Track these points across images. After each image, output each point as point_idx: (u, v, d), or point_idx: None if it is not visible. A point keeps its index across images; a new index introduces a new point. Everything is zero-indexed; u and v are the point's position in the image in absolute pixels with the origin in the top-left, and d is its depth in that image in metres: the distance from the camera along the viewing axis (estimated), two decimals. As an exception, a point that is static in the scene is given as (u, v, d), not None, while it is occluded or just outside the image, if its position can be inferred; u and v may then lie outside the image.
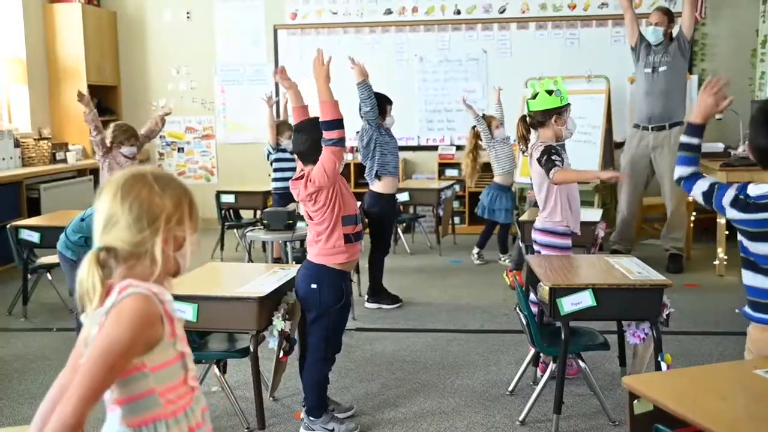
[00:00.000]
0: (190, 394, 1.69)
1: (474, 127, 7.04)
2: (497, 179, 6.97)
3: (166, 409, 1.63)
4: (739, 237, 2.51)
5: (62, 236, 4.41)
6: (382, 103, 5.41)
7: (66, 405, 1.48)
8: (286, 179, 6.33)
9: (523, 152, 4.19)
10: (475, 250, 7.02)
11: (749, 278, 2.48)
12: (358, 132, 5.51)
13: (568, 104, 4.05)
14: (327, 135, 3.20)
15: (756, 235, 2.45)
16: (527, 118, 4.17)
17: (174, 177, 1.72)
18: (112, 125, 5.54)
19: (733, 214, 2.47)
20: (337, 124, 3.24)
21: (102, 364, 1.51)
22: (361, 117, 5.33)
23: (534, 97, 4.03)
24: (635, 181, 6.74)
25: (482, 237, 7.05)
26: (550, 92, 3.99)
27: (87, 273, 1.61)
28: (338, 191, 3.28)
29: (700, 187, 2.62)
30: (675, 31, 6.66)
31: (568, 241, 4.03)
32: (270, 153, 6.56)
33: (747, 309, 2.51)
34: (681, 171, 2.71)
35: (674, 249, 6.61)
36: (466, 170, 7.14)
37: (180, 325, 1.65)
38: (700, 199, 2.62)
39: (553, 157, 3.85)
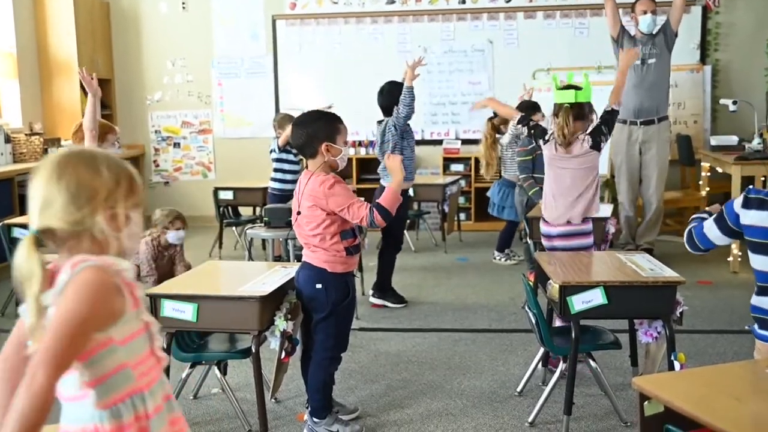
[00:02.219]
0: (159, 366, 1.70)
1: (491, 119, 6.97)
2: (507, 176, 6.94)
3: (140, 381, 1.64)
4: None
5: None
6: (400, 93, 5.40)
7: (34, 380, 1.46)
8: (285, 181, 6.43)
9: (556, 144, 4.08)
10: (497, 254, 7.00)
11: (755, 299, 2.57)
12: (379, 122, 5.44)
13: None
14: (376, 217, 3.29)
15: (757, 246, 2.50)
16: (572, 108, 4.08)
17: (112, 155, 1.71)
18: (156, 211, 5.02)
19: (748, 216, 2.52)
20: (387, 215, 3.32)
21: (64, 335, 1.50)
22: (391, 115, 5.34)
23: (578, 88, 4.08)
24: (632, 178, 6.74)
25: (505, 237, 7.00)
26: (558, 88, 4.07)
27: (25, 257, 1.58)
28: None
29: (708, 222, 2.68)
30: (660, 22, 6.61)
31: (591, 239, 4.13)
32: (273, 151, 6.59)
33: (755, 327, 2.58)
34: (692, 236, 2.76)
35: (646, 244, 6.64)
36: (487, 161, 6.96)
37: (140, 293, 1.65)
38: (717, 234, 2.68)
39: (604, 128, 4.03)
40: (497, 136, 6.90)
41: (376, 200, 3.34)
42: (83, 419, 1.61)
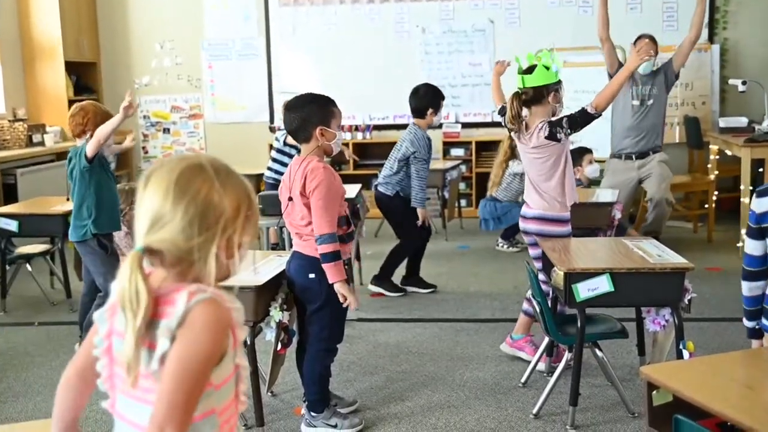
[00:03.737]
0: (237, 412, 1.58)
1: (509, 137, 6.89)
2: (497, 195, 6.93)
3: (223, 430, 1.52)
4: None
5: (71, 226, 4.39)
6: (436, 97, 5.53)
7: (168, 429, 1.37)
8: (281, 173, 6.44)
9: (514, 132, 4.04)
10: (501, 241, 7.02)
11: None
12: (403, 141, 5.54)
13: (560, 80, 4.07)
14: (321, 247, 3.27)
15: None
16: (522, 95, 4.02)
17: (233, 170, 1.58)
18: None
19: (763, 204, 2.53)
20: (327, 257, 3.29)
21: (189, 381, 1.40)
22: (422, 118, 5.50)
23: (529, 71, 4.01)
24: (626, 199, 6.67)
25: (513, 227, 7.00)
26: (547, 67, 4.00)
27: (129, 278, 1.45)
28: None
29: (746, 244, 2.68)
30: (660, 61, 6.57)
31: (569, 228, 4.04)
32: (277, 140, 6.60)
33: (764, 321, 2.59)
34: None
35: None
36: (494, 180, 6.98)
37: (242, 335, 1.53)
38: (752, 245, 2.66)
39: (565, 122, 3.90)
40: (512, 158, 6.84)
41: (334, 278, 3.28)
42: None
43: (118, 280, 1.48)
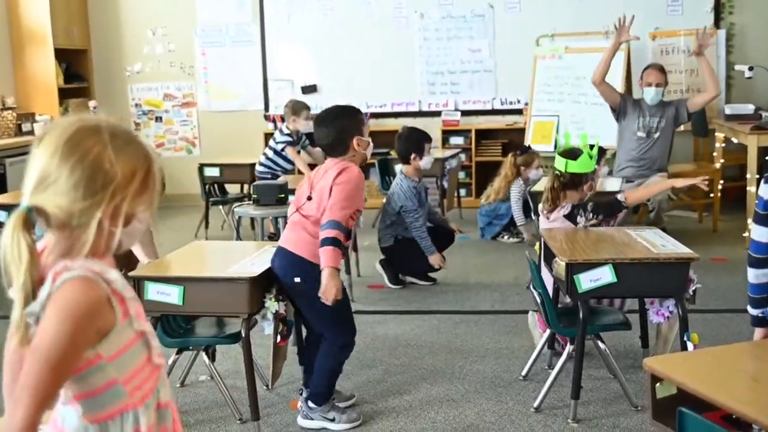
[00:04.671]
0: (156, 374, 1.61)
1: (514, 154, 6.89)
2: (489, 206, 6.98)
3: (133, 397, 1.55)
4: None
5: None
6: (420, 141, 5.50)
7: (16, 412, 1.40)
8: (275, 170, 6.50)
9: (545, 213, 4.07)
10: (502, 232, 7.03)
11: None
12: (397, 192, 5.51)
13: None
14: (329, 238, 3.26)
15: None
16: (560, 177, 4.03)
17: (134, 136, 1.55)
18: None
19: None
20: (333, 242, 3.28)
21: (47, 365, 1.41)
22: (408, 164, 5.53)
23: (573, 155, 4.02)
24: None
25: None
26: (591, 156, 4.00)
27: (11, 239, 1.44)
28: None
29: (753, 230, 2.67)
30: (671, 97, 6.54)
31: None
32: (275, 138, 6.66)
33: None
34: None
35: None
36: (493, 195, 6.93)
37: (134, 303, 1.54)
38: (761, 231, 2.65)
39: (590, 206, 3.96)
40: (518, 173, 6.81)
41: (327, 263, 3.24)
42: (71, 427, 1.55)
43: (2, 240, 1.46)
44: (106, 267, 1.50)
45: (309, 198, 3.38)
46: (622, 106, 6.59)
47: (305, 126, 6.70)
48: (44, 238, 1.52)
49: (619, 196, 4.05)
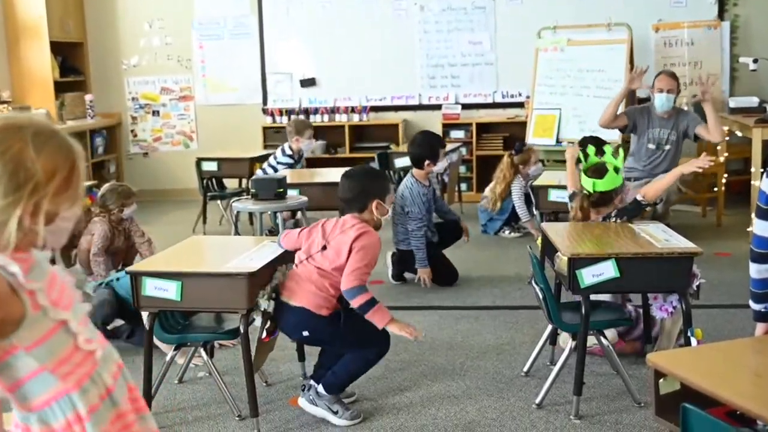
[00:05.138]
0: (90, 359, 1.64)
1: (511, 154, 6.87)
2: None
3: (67, 382, 1.59)
4: None
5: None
6: (434, 147, 5.43)
7: None
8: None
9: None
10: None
11: None
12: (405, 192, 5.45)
13: None
14: (354, 299, 3.36)
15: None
16: (590, 197, 4.00)
17: (58, 133, 1.58)
18: (103, 188, 5.29)
19: None
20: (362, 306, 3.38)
21: None
22: (421, 168, 5.44)
23: (598, 173, 3.98)
24: None
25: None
26: (617, 170, 3.97)
27: None
28: None
29: (755, 224, 2.67)
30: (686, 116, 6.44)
31: None
32: (276, 157, 6.73)
33: None
34: None
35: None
36: (492, 197, 6.91)
37: (44, 294, 1.55)
38: (763, 225, 2.65)
39: (614, 214, 3.94)
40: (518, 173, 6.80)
41: (383, 322, 3.36)
42: (18, 416, 1.61)
43: None
44: (8, 260, 1.51)
45: (324, 248, 3.41)
46: (631, 122, 6.46)
47: (308, 145, 6.73)
48: None
49: (638, 197, 4.02)
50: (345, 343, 3.47)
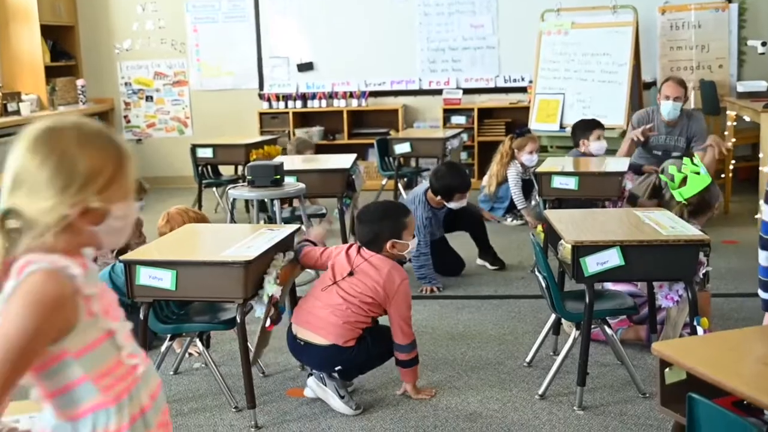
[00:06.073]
0: (131, 374, 1.66)
1: (512, 137, 6.87)
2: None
3: (106, 395, 1.60)
4: None
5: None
6: (450, 190, 5.24)
7: None
8: None
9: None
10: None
11: None
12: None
13: None
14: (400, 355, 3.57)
15: None
16: (687, 206, 4.00)
17: (103, 132, 1.61)
18: None
19: None
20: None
21: (11, 353, 1.46)
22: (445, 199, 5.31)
23: (683, 183, 3.97)
24: None
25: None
26: (696, 172, 3.96)
27: None
28: None
29: (760, 255, 2.66)
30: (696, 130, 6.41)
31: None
32: None
33: None
34: None
35: None
36: (490, 179, 6.92)
37: (98, 301, 1.59)
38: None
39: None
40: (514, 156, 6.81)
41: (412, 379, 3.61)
42: (46, 423, 1.62)
43: None
44: (71, 262, 1.54)
45: (351, 273, 3.51)
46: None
47: None
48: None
49: None
50: (378, 359, 3.61)
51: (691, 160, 4.03)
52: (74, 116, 1.62)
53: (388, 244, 3.58)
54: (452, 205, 5.28)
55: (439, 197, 5.26)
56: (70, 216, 1.53)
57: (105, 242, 1.61)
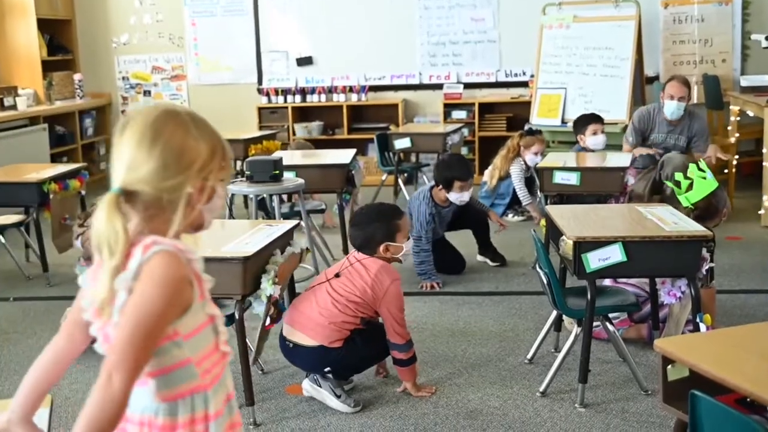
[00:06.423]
0: (222, 362, 1.72)
1: (521, 134, 6.89)
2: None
3: (204, 379, 1.66)
4: None
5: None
6: (450, 178, 5.22)
7: (114, 379, 1.48)
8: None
9: None
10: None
11: None
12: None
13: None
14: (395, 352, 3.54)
15: None
16: (695, 210, 3.94)
17: (207, 121, 1.71)
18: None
19: None
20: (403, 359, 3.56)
21: (141, 332, 1.51)
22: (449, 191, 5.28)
23: (689, 187, 3.95)
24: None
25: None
26: (703, 177, 3.93)
27: (107, 219, 1.56)
28: None
29: None
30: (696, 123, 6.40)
31: None
32: None
33: None
34: None
35: None
36: (493, 172, 6.93)
37: (208, 286, 1.67)
38: None
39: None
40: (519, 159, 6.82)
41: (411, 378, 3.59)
42: (139, 407, 1.64)
43: (96, 221, 1.57)
44: (189, 247, 1.62)
45: (337, 275, 3.53)
46: (641, 137, 6.42)
47: None
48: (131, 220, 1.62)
49: None
50: (372, 358, 3.63)
51: (697, 165, 4.01)
52: (175, 103, 1.72)
53: (382, 248, 3.59)
54: (453, 196, 5.24)
55: (440, 187, 5.25)
56: (192, 194, 1.61)
57: (206, 219, 1.68)
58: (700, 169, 3.98)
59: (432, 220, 5.26)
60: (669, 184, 4.18)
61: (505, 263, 5.65)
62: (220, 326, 1.70)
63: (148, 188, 1.58)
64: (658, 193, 4.50)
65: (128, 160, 1.59)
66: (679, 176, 4.03)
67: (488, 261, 5.68)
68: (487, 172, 7.07)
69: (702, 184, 3.94)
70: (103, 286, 1.57)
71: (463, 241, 5.70)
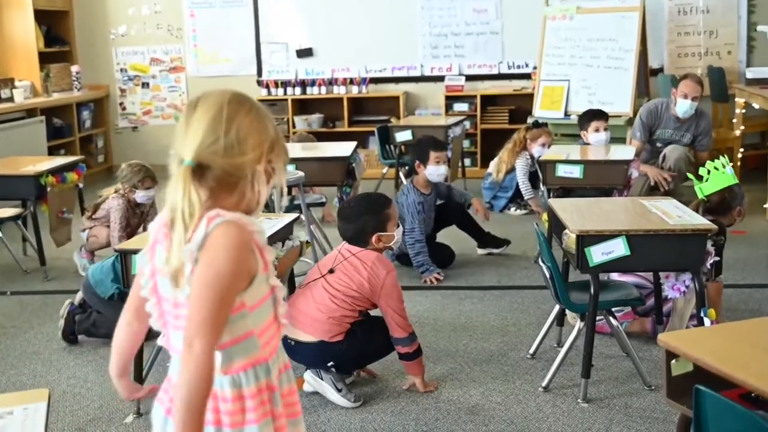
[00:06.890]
0: (279, 333, 1.78)
1: (528, 128, 6.92)
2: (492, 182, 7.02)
3: (264, 350, 1.73)
4: None
5: (96, 270, 4.27)
6: (424, 149, 5.31)
7: (195, 345, 1.56)
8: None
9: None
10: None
11: None
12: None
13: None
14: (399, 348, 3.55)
15: None
16: (706, 203, 3.94)
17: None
18: (123, 166, 5.31)
19: None
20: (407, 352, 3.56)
21: (214, 298, 1.58)
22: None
23: (705, 179, 3.92)
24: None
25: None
26: (722, 168, 3.90)
27: (183, 191, 1.63)
28: None
29: None
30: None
31: None
32: None
33: None
34: None
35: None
36: (500, 166, 6.95)
37: (270, 257, 1.73)
38: None
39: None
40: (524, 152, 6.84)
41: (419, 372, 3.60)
42: None
43: (171, 193, 1.65)
44: (251, 219, 1.70)
45: (331, 271, 3.52)
46: (648, 133, 6.45)
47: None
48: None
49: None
50: (376, 353, 3.63)
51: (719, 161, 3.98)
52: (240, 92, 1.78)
53: (374, 238, 3.59)
54: (431, 170, 5.26)
55: (419, 165, 5.30)
56: (259, 172, 1.69)
57: (262, 201, 1.74)
58: (721, 164, 3.96)
59: (422, 208, 5.29)
60: (690, 176, 4.14)
61: (508, 243, 5.69)
62: (279, 298, 1.76)
63: (221, 163, 1.65)
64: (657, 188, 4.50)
65: (203, 135, 1.65)
66: (703, 172, 3.98)
67: (492, 251, 5.69)
68: (493, 164, 7.08)
69: (719, 176, 3.91)
70: (176, 257, 1.64)
71: (451, 235, 5.70)
